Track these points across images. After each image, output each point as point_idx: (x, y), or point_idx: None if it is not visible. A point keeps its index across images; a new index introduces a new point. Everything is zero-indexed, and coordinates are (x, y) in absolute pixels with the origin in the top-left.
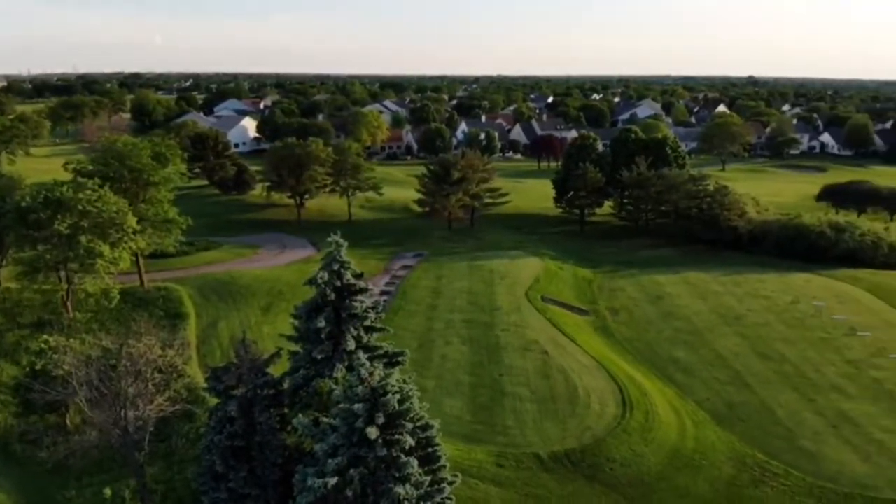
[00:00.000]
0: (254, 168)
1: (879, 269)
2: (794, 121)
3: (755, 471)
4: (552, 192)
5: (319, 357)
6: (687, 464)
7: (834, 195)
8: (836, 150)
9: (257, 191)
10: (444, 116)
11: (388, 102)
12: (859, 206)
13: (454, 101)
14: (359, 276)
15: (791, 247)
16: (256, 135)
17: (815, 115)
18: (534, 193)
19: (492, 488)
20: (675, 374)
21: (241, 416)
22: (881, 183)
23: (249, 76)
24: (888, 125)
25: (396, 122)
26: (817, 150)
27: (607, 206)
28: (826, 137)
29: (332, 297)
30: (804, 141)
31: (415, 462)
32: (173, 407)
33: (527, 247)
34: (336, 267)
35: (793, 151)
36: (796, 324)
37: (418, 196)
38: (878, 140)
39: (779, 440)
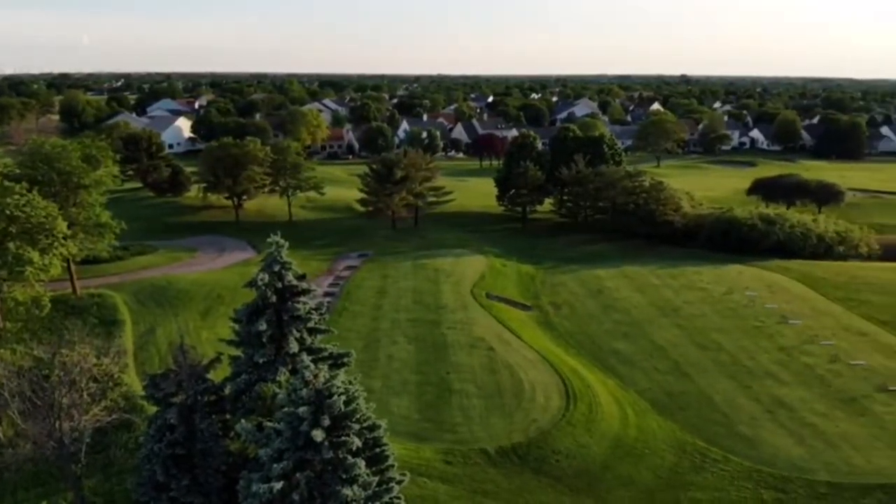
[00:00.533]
0: (189, 169)
1: (808, 259)
2: (725, 118)
3: (695, 457)
4: (495, 191)
5: (262, 361)
6: (630, 452)
7: (764, 189)
8: (765, 146)
9: (193, 192)
10: (386, 115)
11: (327, 101)
12: (788, 199)
13: (395, 100)
14: (301, 278)
15: (724, 239)
16: (191, 135)
17: (744, 112)
18: (477, 192)
19: (440, 486)
20: (617, 366)
21: (182, 423)
22: (809, 176)
23: (183, 75)
24: (815, 121)
25: (337, 121)
26: (748, 145)
27: (548, 203)
28: (756, 133)
29: (274, 299)
30: (735, 137)
31: (362, 463)
32: (110, 417)
33: (471, 245)
34: (277, 268)
35: (724, 147)
36: (731, 314)
37: (361, 195)
38: (805, 135)
39: (717, 426)
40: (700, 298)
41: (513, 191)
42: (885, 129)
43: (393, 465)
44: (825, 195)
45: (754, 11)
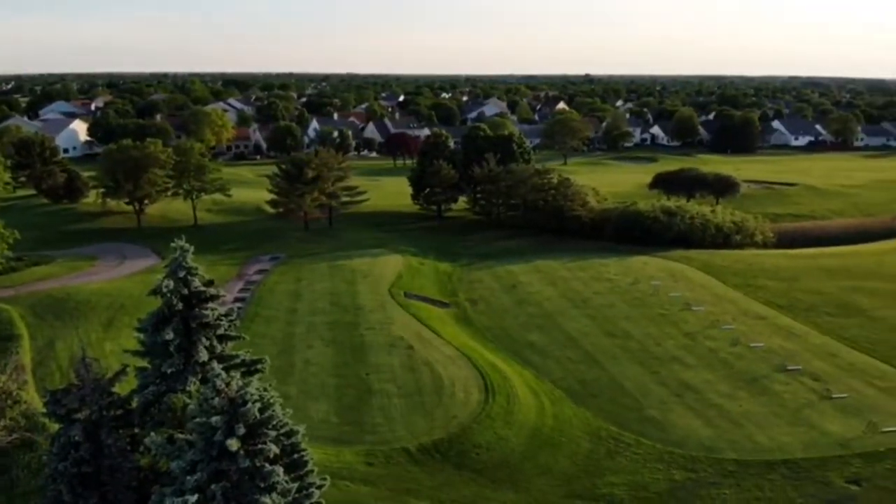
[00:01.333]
0: (86, 174)
1: (708, 248)
2: (627, 115)
3: (609, 442)
4: (409, 190)
5: (170, 371)
6: (547, 442)
7: (665, 183)
8: (665, 142)
9: (91, 198)
10: (294, 114)
11: (232, 100)
12: (688, 192)
13: (304, 99)
14: (209, 283)
15: (629, 232)
16: (88, 138)
17: (645, 110)
18: (391, 191)
19: (362, 488)
20: (532, 357)
21: (87, 440)
22: (707, 170)
23: (78, 76)
24: (711, 117)
25: (242, 121)
26: (649, 141)
27: (462, 201)
28: (656, 130)
29: (180, 306)
30: (637, 134)
31: (280, 470)
32: (10, 436)
33: (388, 244)
34: (182, 274)
35: (627, 144)
36: (637, 303)
37: (271, 196)
38: (702, 131)
39: (629, 412)
40: (608, 289)
41: (427, 189)
42: (776, 124)
43: (312, 471)
44: (722, 187)
45: (652, 12)
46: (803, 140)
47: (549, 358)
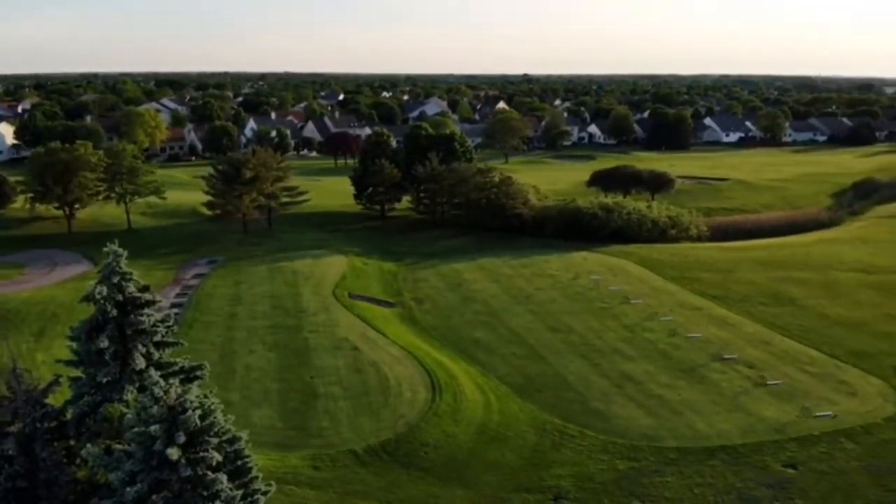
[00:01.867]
0: (13, 178)
1: (645, 242)
2: (565, 114)
3: (555, 435)
4: (352, 189)
5: (105, 380)
6: (494, 437)
7: (602, 180)
8: (602, 140)
9: (19, 204)
10: (230, 114)
11: (165, 101)
12: (625, 189)
13: (240, 99)
14: (144, 289)
15: (569, 228)
16: (15, 141)
17: (582, 109)
18: (333, 191)
19: (309, 492)
20: (478, 354)
21: (21, 453)
22: (642, 167)
23: (3, 78)
24: (645, 115)
25: (177, 122)
26: (586, 140)
27: (406, 200)
28: (593, 128)
29: (114, 313)
30: (574, 132)
31: (224, 478)
32: None
33: (330, 245)
34: (116, 279)
35: (565, 143)
36: (578, 297)
37: (207, 198)
38: (637, 129)
39: (573, 404)
40: (550, 285)
41: (370, 189)
42: (708, 121)
43: (257, 477)
44: (657, 183)
45: (584, 12)
46: (734, 136)
47: (494, 354)
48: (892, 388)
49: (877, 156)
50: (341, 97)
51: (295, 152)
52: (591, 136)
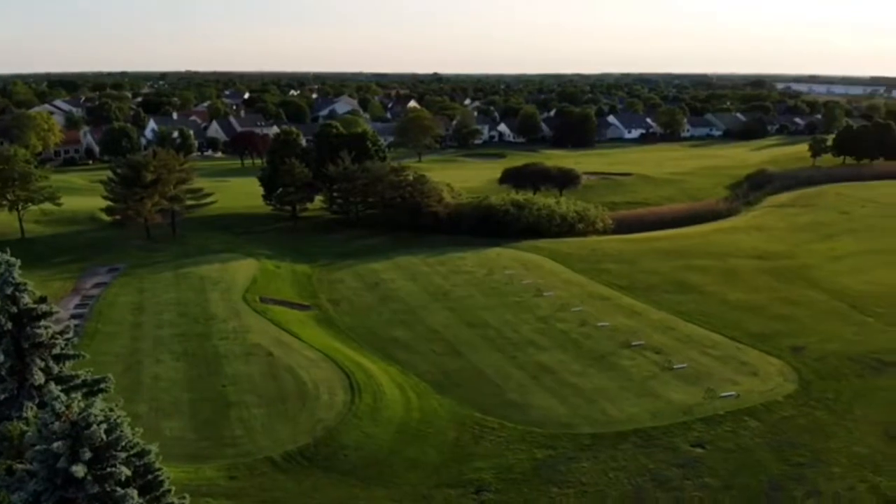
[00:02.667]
0: None
1: (555, 237)
2: (476, 113)
3: (474, 429)
4: (260, 190)
5: (2, 397)
6: (415, 435)
7: (513, 177)
8: (511, 138)
9: None
10: (129, 115)
11: (59, 102)
12: (534, 185)
13: (139, 99)
14: (41, 300)
15: (483, 225)
16: None
17: (492, 108)
18: (241, 192)
19: (225, 502)
20: (397, 353)
21: None
22: (550, 164)
23: None
24: (552, 113)
25: (72, 124)
26: (497, 139)
27: (318, 200)
28: (503, 127)
29: (9, 325)
30: (485, 131)
31: (134, 493)
32: None
33: (239, 248)
34: (9, 291)
35: (476, 141)
36: (493, 292)
37: (107, 203)
38: (545, 127)
39: (491, 397)
40: (466, 281)
41: (280, 189)
42: (611, 118)
43: (169, 490)
44: (565, 180)
45: (492, 12)
46: (636, 133)
47: (413, 352)
48: (790, 367)
49: (768, 148)
50: (247, 96)
51: (199, 153)
52: (501, 134)
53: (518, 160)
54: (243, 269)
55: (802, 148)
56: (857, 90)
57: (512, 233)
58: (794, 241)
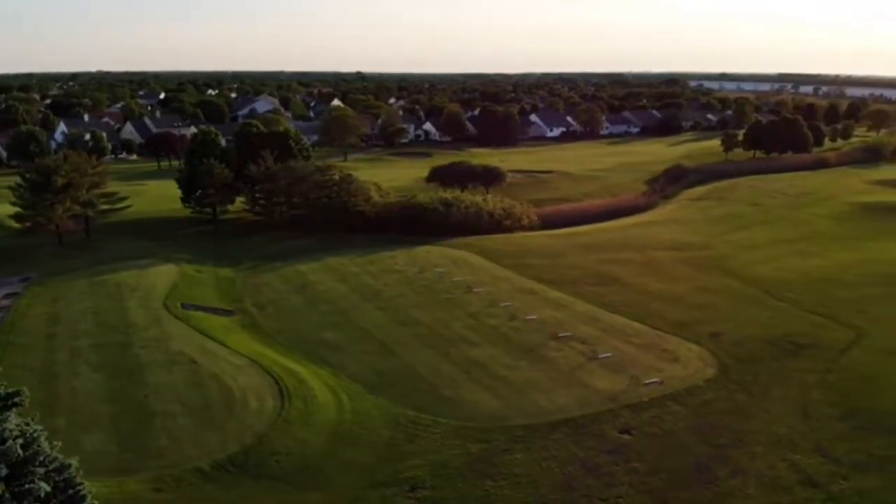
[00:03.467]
0: None
1: (483, 234)
2: (401, 112)
3: (409, 427)
4: (179, 192)
5: None
6: (348, 437)
7: (440, 176)
8: (437, 137)
9: None
10: (38, 118)
11: None
12: (461, 184)
13: (48, 101)
14: None
15: (412, 224)
16: None
17: (417, 107)
18: (158, 195)
19: None
20: (327, 355)
21: None
22: (476, 162)
23: None
24: (476, 112)
25: None
26: (423, 137)
27: (240, 202)
28: (428, 126)
29: None
30: (411, 130)
31: None
32: None
33: (158, 253)
34: None
35: (403, 140)
36: (425, 290)
37: (15, 210)
38: (469, 126)
39: (424, 394)
40: (397, 280)
41: (199, 191)
42: (533, 117)
43: None
44: (490, 178)
45: (416, 13)
46: (557, 131)
47: (344, 354)
48: (709, 352)
49: (683, 144)
50: (162, 96)
51: (113, 156)
52: (426, 133)
53: (444, 159)
54: (163, 274)
55: (715, 143)
56: (766, 87)
57: (441, 231)
58: (710, 233)
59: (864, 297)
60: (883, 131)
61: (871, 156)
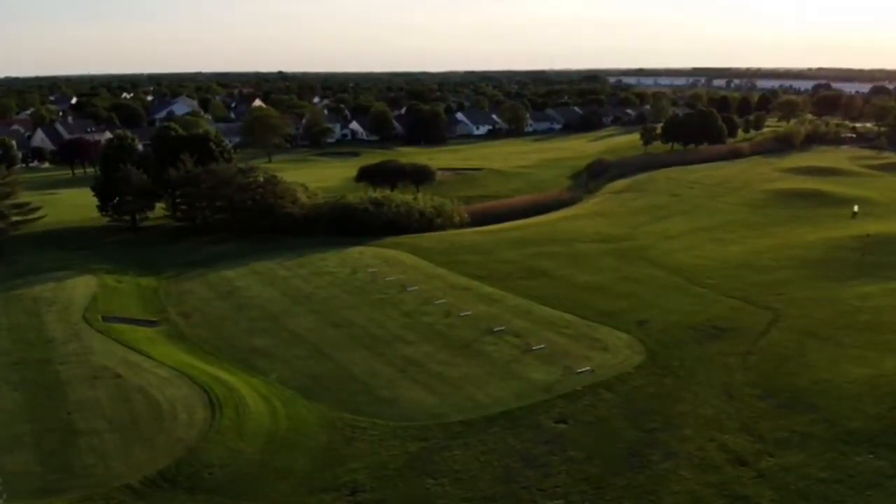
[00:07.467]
0: None
1: (415, 233)
2: (326, 111)
3: (346, 431)
4: (95, 200)
5: None
6: (284, 444)
7: (369, 175)
8: (364, 136)
9: None
10: None
11: None
12: (391, 183)
13: None
14: None
15: (342, 224)
16: None
17: (342, 106)
18: (73, 203)
19: None
20: (258, 362)
21: None
22: (405, 161)
23: None
24: (403, 111)
25: None
26: (349, 137)
27: (160, 207)
28: (355, 125)
29: None
30: (337, 129)
31: None
32: None
33: (76, 264)
34: None
35: (329, 140)
36: (358, 291)
37: None
38: (397, 125)
39: (361, 396)
40: (329, 282)
41: (116, 198)
42: (459, 115)
43: None
44: (420, 176)
45: (338, 13)
46: (483, 129)
47: (276, 360)
48: (637, 339)
49: (605, 139)
50: (75, 100)
51: (23, 164)
52: (353, 132)
53: (373, 158)
54: (81, 286)
55: (635, 137)
56: (681, 81)
57: (372, 231)
58: (632, 224)
59: (779, 280)
60: (792, 121)
61: (782, 145)
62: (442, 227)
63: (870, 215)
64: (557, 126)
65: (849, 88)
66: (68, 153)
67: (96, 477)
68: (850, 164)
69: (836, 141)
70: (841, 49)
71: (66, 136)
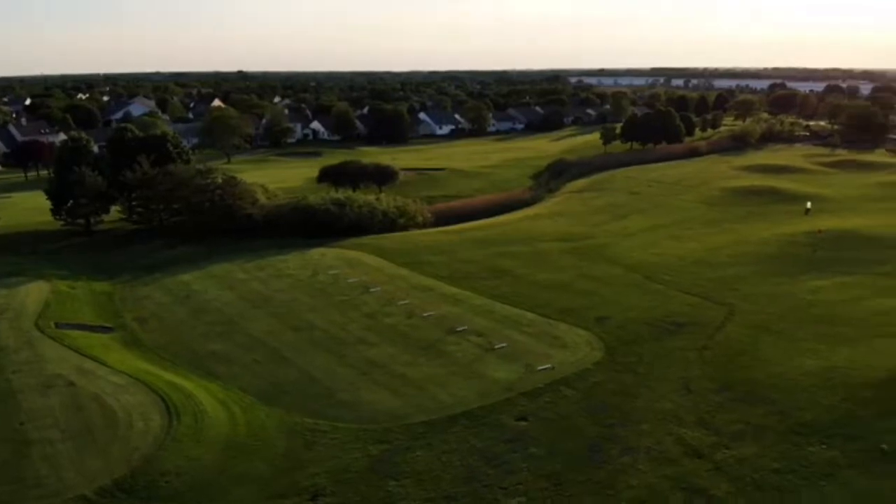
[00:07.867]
0: None
1: (377, 234)
2: (287, 111)
3: (306, 435)
4: (48, 204)
5: None
6: (242, 450)
7: (331, 176)
8: (326, 136)
9: None
10: None
11: None
12: (353, 183)
13: None
14: None
15: (304, 226)
16: None
17: (303, 106)
18: (26, 207)
19: None
20: (216, 367)
21: None
22: (367, 161)
23: None
24: (365, 111)
25: None
26: (311, 137)
27: (116, 210)
28: (316, 125)
29: None
30: (298, 129)
31: None
32: None
33: (28, 269)
34: None
35: (289, 140)
36: (319, 293)
37: None
38: (359, 124)
39: (321, 399)
40: (289, 285)
41: (71, 201)
42: (422, 115)
43: None
44: (382, 176)
45: (304, 12)
46: (446, 129)
47: (235, 365)
48: (596, 336)
49: (566, 139)
50: (28, 102)
51: None
52: (315, 132)
53: (335, 158)
54: (33, 292)
55: (595, 136)
56: (640, 81)
57: (334, 232)
58: (592, 223)
59: (735, 276)
60: (748, 120)
61: (739, 143)
62: (405, 228)
63: (822, 211)
64: (520, 126)
65: (804, 87)
66: (22, 156)
67: (49, 488)
68: (804, 162)
69: (790, 139)
70: (797, 49)
71: (20, 138)
